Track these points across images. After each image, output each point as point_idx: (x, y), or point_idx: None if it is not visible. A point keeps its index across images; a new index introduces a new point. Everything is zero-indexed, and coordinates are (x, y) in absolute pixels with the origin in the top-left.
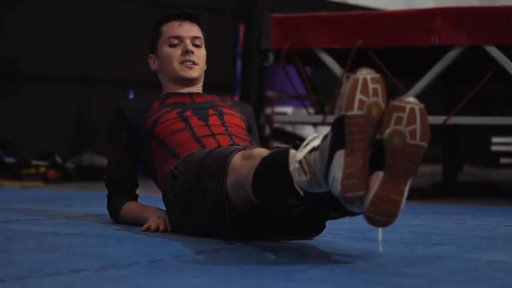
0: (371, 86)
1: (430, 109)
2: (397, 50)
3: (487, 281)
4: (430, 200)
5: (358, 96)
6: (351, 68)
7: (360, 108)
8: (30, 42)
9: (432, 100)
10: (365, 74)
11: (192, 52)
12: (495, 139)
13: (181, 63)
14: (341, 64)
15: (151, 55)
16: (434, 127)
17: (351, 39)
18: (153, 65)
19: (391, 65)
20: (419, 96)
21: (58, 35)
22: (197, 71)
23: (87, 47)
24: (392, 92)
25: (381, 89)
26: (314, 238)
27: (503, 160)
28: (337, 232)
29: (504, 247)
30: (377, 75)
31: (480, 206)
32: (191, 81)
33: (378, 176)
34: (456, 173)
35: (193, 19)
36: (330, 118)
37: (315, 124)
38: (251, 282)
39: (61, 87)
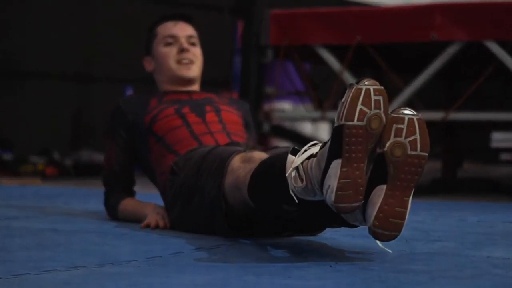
0: (373, 97)
1: (430, 105)
2: (396, 46)
3: (487, 278)
4: (429, 196)
5: (359, 106)
6: (350, 64)
7: (360, 119)
8: (29, 39)
9: (431, 96)
10: (369, 84)
11: (188, 50)
12: (494, 135)
13: (177, 62)
14: (340, 60)
15: (146, 57)
16: (433, 124)
17: (350, 35)
18: (149, 66)
19: (390, 62)
20: (418, 92)
21: (57, 33)
22: (195, 70)
23: (86, 45)
24: (391, 88)
25: (384, 101)
26: (317, 235)
27: (503, 156)
28: (336, 229)
29: (504, 243)
30: (381, 87)
31: (480, 202)
32: (189, 81)
33: (381, 190)
34: (456, 170)
35: (187, 19)
36: (329, 114)
37: (314, 120)
38: (251, 278)
39: (59, 84)
